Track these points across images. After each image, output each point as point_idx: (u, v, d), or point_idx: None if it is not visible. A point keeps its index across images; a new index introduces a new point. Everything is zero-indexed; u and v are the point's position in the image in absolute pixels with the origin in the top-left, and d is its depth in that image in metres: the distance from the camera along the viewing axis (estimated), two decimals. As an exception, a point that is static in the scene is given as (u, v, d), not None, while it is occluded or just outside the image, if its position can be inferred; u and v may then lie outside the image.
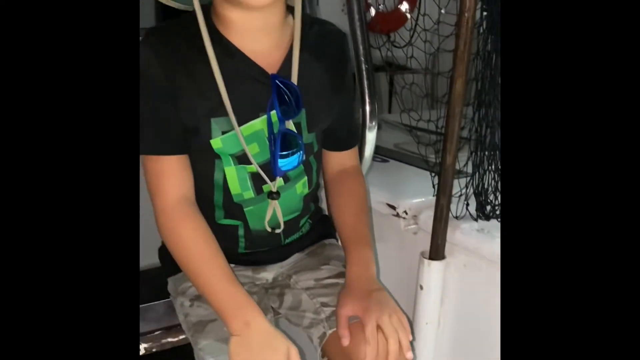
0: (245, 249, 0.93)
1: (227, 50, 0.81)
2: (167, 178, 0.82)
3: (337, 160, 0.99)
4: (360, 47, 1.05)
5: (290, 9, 0.85)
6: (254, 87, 0.81)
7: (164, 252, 0.96)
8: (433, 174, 1.18)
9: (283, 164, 0.83)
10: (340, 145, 0.98)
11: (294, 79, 0.82)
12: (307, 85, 0.83)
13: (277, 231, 0.92)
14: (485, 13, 1.07)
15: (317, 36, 0.86)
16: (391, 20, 1.96)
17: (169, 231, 0.82)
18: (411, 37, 1.51)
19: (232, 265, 0.85)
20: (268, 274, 0.97)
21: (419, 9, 1.60)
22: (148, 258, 1.04)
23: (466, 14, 1.03)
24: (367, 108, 1.08)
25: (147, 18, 1.76)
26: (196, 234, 0.81)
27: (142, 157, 0.83)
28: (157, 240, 1.00)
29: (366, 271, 0.86)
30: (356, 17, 1.02)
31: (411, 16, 1.61)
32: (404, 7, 2.07)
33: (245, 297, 0.78)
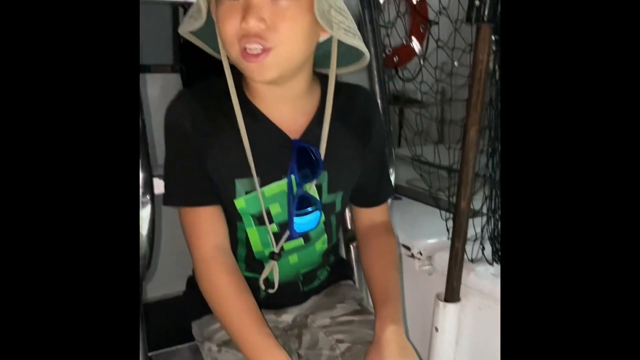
0: (266, 296, 0.96)
1: (254, 116, 0.84)
2: (203, 229, 0.85)
3: (367, 216, 1.00)
4: (378, 97, 1.08)
5: (316, 74, 0.88)
6: (278, 151, 0.84)
7: (189, 296, 1.00)
8: (447, 215, 1.20)
9: (299, 226, 0.85)
10: (369, 202, 0.99)
11: (323, 146, 0.85)
12: (331, 150, 0.86)
13: (270, 291, 0.93)
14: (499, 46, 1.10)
15: (344, 101, 0.88)
16: (399, 55, 2.00)
17: (205, 281, 0.85)
18: (417, 74, 1.56)
19: None
20: (288, 316, 1.00)
21: (425, 51, 1.65)
22: (177, 285, 1.05)
23: (479, 66, 1.07)
24: (385, 154, 1.11)
25: (165, 56, 1.82)
26: (233, 286, 0.84)
27: (178, 210, 0.86)
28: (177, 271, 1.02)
29: (394, 331, 0.87)
30: (375, 73, 1.06)
31: (419, 60, 1.65)
32: (414, 43, 2.10)
33: (279, 350, 0.80)
